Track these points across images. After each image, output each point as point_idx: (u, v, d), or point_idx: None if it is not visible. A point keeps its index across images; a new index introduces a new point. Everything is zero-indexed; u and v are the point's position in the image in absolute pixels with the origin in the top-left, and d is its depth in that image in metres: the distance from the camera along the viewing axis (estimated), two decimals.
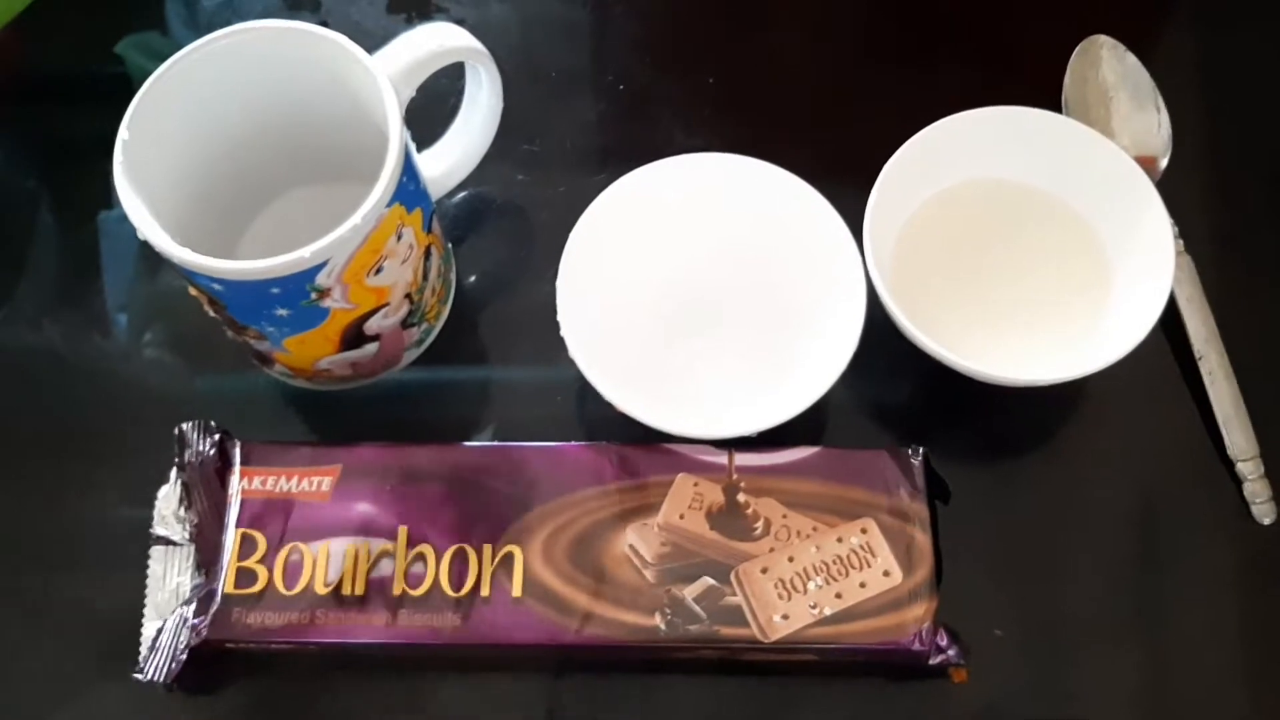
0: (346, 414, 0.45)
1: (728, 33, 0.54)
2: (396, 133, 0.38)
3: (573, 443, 0.42)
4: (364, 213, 0.37)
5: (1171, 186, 0.46)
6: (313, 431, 0.46)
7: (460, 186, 0.47)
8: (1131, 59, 0.49)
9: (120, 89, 0.40)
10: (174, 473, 0.42)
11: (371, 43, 0.41)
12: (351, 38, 0.40)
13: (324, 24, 0.53)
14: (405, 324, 0.43)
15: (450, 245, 0.48)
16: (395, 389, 0.46)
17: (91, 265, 0.49)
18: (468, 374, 0.47)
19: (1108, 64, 0.49)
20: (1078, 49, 0.49)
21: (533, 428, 0.44)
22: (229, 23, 0.52)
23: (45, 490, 0.45)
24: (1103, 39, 0.49)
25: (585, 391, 0.41)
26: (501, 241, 0.49)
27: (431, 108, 0.47)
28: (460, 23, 0.52)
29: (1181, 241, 0.46)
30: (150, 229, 0.37)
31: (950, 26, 0.54)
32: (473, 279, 0.48)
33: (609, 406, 0.40)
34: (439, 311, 0.46)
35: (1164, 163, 0.48)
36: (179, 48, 0.39)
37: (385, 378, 0.45)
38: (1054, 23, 0.52)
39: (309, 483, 0.41)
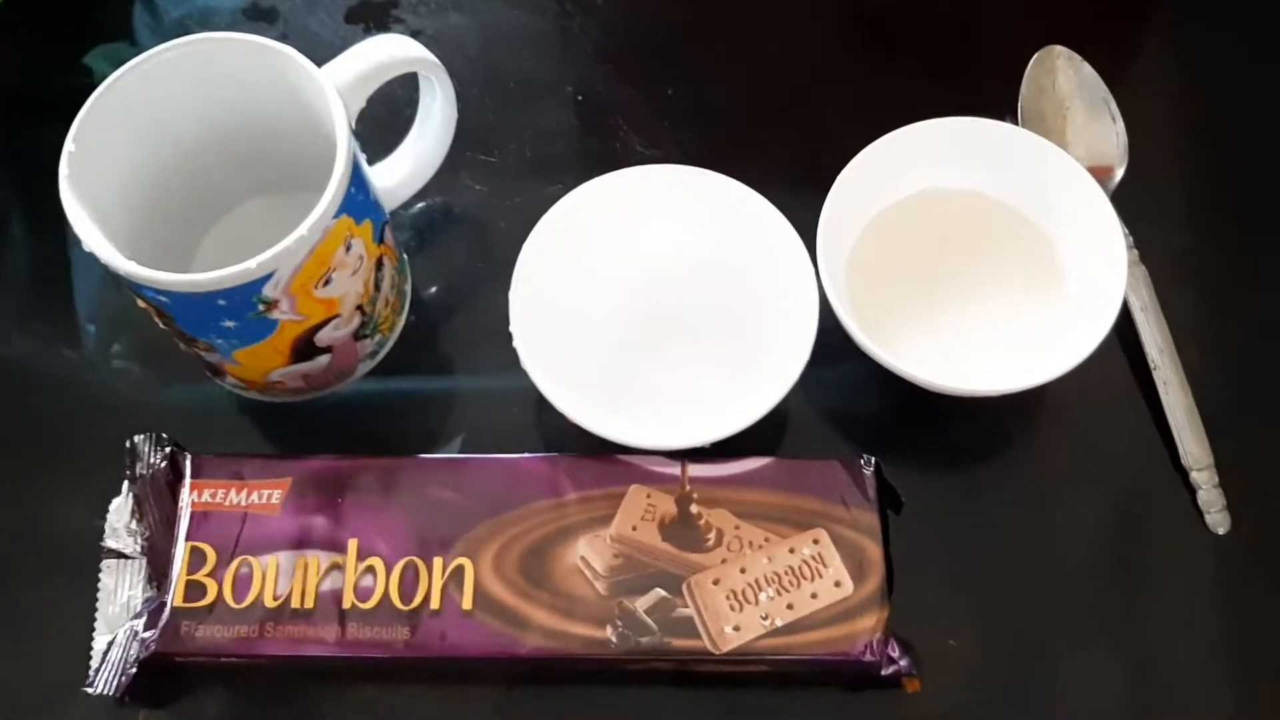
0: (302, 425, 0.45)
1: (687, 44, 0.54)
2: (344, 144, 0.38)
3: (525, 454, 0.42)
4: (309, 224, 0.37)
5: (1127, 196, 0.47)
6: (269, 442, 0.45)
7: (417, 197, 0.47)
8: (1087, 69, 0.49)
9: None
10: (125, 485, 0.42)
11: (329, 53, 0.41)
12: (309, 47, 0.40)
13: (283, 34, 0.53)
14: (358, 336, 0.43)
15: (405, 256, 0.47)
16: (350, 400, 0.46)
17: (61, 277, 0.49)
18: (424, 385, 0.47)
19: (1064, 74, 0.49)
20: (1034, 59, 0.50)
21: (489, 439, 0.44)
22: (195, 32, 0.53)
23: (2, 500, 0.44)
24: (1059, 49, 0.50)
25: (542, 402, 0.41)
26: (459, 252, 0.49)
27: (388, 118, 0.47)
28: (418, 33, 0.53)
29: (1136, 251, 0.46)
30: (96, 241, 0.37)
31: (908, 38, 0.54)
32: (431, 290, 0.48)
33: (565, 417, 0.40)
34: (393, 323, 0.46)
35: (1120, 172, 0.48)
36: None
37: (340, 389, 0.45)
38: (1010, 33, 0.52)
39: (259, 495, 0.41)
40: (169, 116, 0.41)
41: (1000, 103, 0.49)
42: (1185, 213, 0.49)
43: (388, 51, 0.41)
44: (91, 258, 0.37)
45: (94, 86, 0.38)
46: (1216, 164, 0.50)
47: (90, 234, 0.37)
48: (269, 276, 0.37)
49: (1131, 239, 0.47)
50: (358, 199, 0.39)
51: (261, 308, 0.38)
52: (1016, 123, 0.49)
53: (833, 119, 0.51)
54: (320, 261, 0.38)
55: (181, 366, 0.46)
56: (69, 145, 0.38)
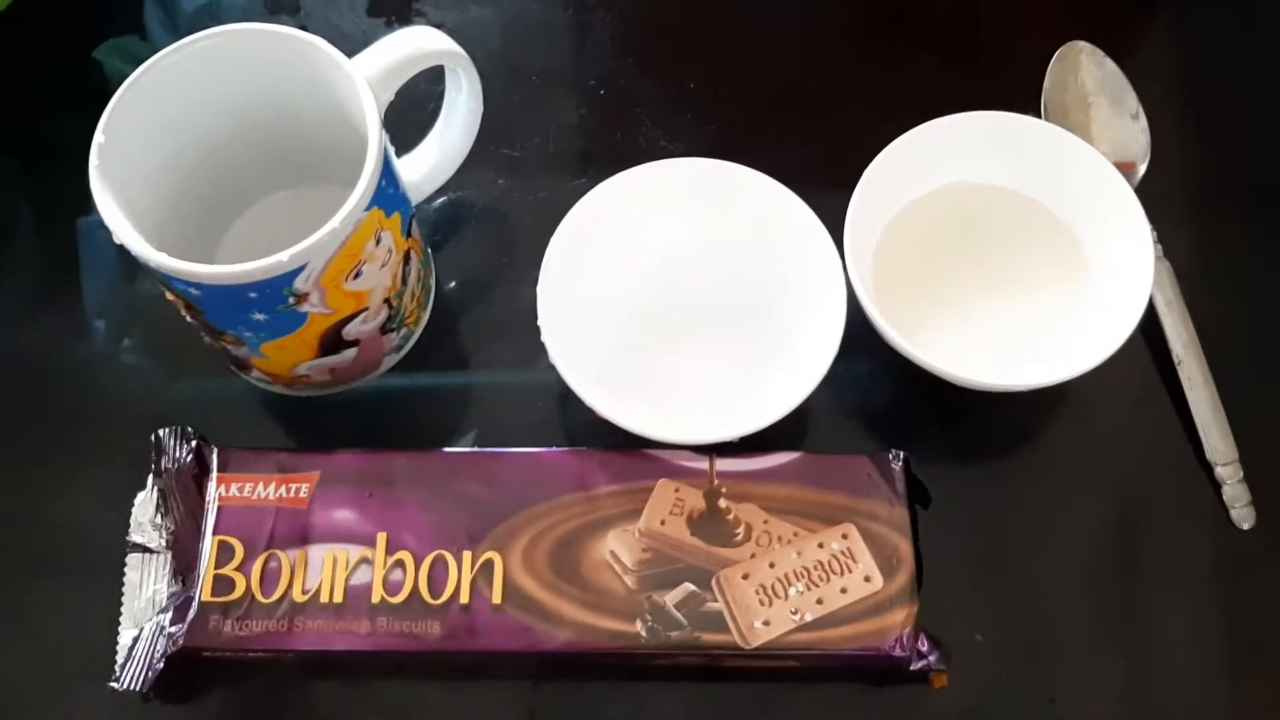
0: (326, 420, 0.45)
1: (709, 37, 0.54)
2: (375, 136, 0.38)
3: (553, 448, 0.42)
4: (342, 216, 0.37)
5: (1151, 191, 0.46)
6: (291, 437, 0.45)
7: (440, 191, 0.47)
8: (1110, 65, 0.49)
9: (99, 93, 0.39)
10: (150, 479, 0.42)
11: (351, 46, 0.41)
12: (331, 41, 0.40)
13: (303, 27, 0.52)
14: (384, 329, 0.43)
15: (430, 250, 0.47)
16: (375, 394, 0.45)
17: (70, 270, 0.48)
18: (448, 379, 0.47)
19: (1087, 70, 0.49)
20: (1057, 55, 0.50)
21: (513, 433, 0.44)
22: (208, 27, 0.53)
23: (22, 495, 0.44)
24: (1082, 45, 0.50)
25: (566, 397, 0.41)
26: (482, 246, 0.49)
27: (412, 112, 0.47)
28: (440, 26, 0.52)
29: (1160, 246, 0.46)
30: (126, 233, 0.37)
31: (931, 32, 0.54)
32: (453, 284, 0.48)
33: (590, 412, 0.40)
34: (419, 316, 0.46)
35: (1143, 168, 0.48)
36: (158, 52, 0.39)
37: (364, 383, 0.45)
38: (1033, 29, 0.52)
39: (286, 489, 0.41)
40: (197, 108, 0.41)
41: (1023, 97, 0.50)
42: (1208, 209, 0.49)
43: (418, 44, 0.41)
44: (104, 250, 0.37)
45: (105, 80, 0.38)
46: (1239, 160, 0.50)
47: (121, 225, 0.37)
48: (301, 269, 0.37)
49: (1155, 234, 0.46)
50: (388, 192, 0.39)
51: (292, 300, 0.38)
52: (1039, 118, 0.49)
53: (856, 112, 0.51)
54: (351, 254, 0.38)
55: (197, 360, 0.46)
56: (98, 136, 0.38)
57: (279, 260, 0.36)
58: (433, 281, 0.47)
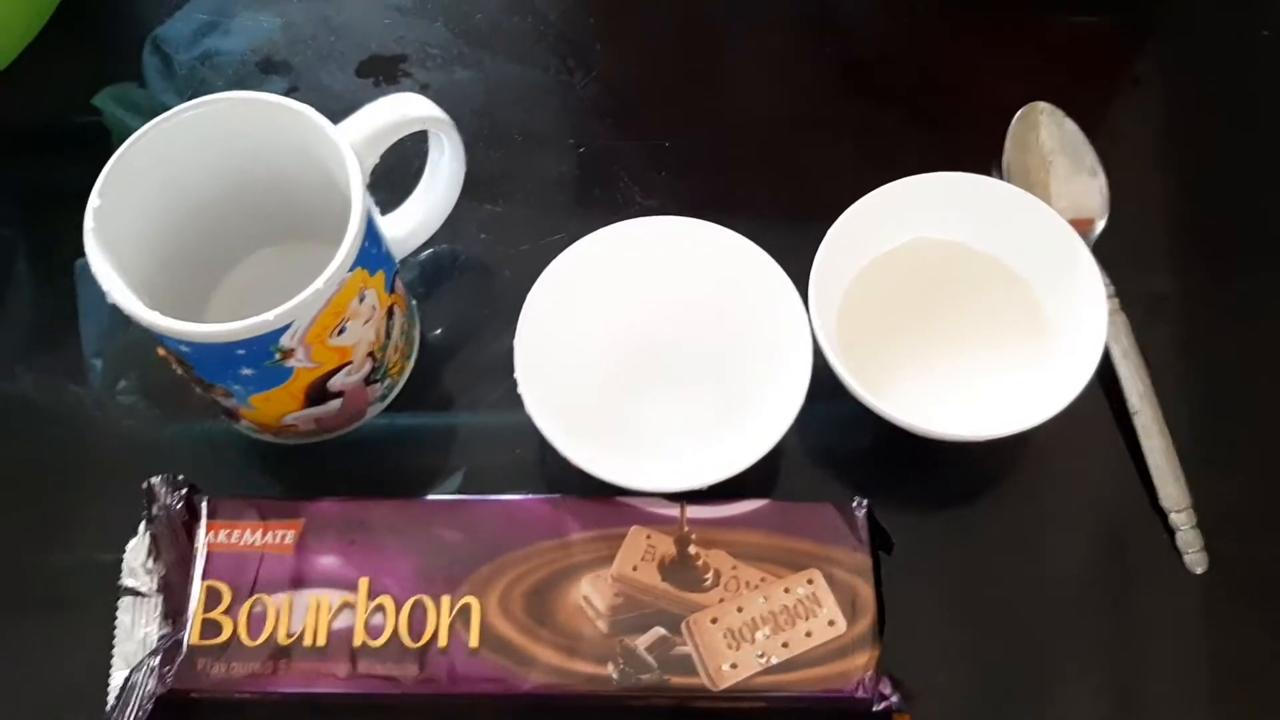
0: (313, 466, 0.46)
1: (684, 97, 0.55)
2: (359, 200, 0.39)
3: (530, 496, 0.43)
4: (326, 277, 0.38)
5: (1109, 247, 0.48)
6: (280, 482, 0.46)
7: (425, 245, 0.48)
8: (1070, 124, 0.51)
9: (98, 139, 0.40)
10: (143, 525, 0.43)
11: (340, 105, 0.42)
12: (321, 100, 0.41)
13: (294, 86, 0.55)
14: (368, 381, 0.44)
15: (414, 301, 0.49)
16: (361, 441, 0.47)
17: (67, 313, 0.50)
18: (431, 427, 0.48)
19: (1047, 129, 0.51)
20: (1018, 115, 0.51)
21: (494, 479, 0.45)
22: (204, 78, 0.54)
23: (16, 537, 0.46)
24: (1042, 105, 0.51)
25: (545, 443, 0.42)
26: (465, 298, 0.50)
27: (398, 168, 0.48)
28: (425, 87, 0.54)
29: (1117, 300, 0.48)
30: (121, 293, 0.39)
31: (898, 93, 0.55)
32: (437, 332, 0.49)
33: (567, 459, 0.42)
34: (402, 367, 0.47)
35: (1101, 224, 0.49)
36: (156, 99, 0.39)
37: (351, 431, 0.47)
38: (995, 89, 0.53)
39: (273, 536, 0.42)
40: (188, 172, 0.43)
41: (985, 156, 0.51)
42: (1165, 261, 0.51)
43: (401, 110, 0.42)
44: (103, 297, 0.38)
45: (104, 126, 0.39)
46: (1196, 214, 0.52)
47: (115, 285, 0.39)
48: (286, 327, 0.38)
49: (1113, 287, 0.48)
50: (371, 252, 0.41)
51: (278, 356, 0.40)
52: (1001, 176, 0.50)
53: (824, 170, 0.52)
54: (335, 312, 0.40)
55: (191, 405, 0.47)
56: (94, 200, 0.39)
57: (265, 320, 0.38)
58: (416, 333, 0.48)
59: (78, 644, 0.43)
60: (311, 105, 0.42)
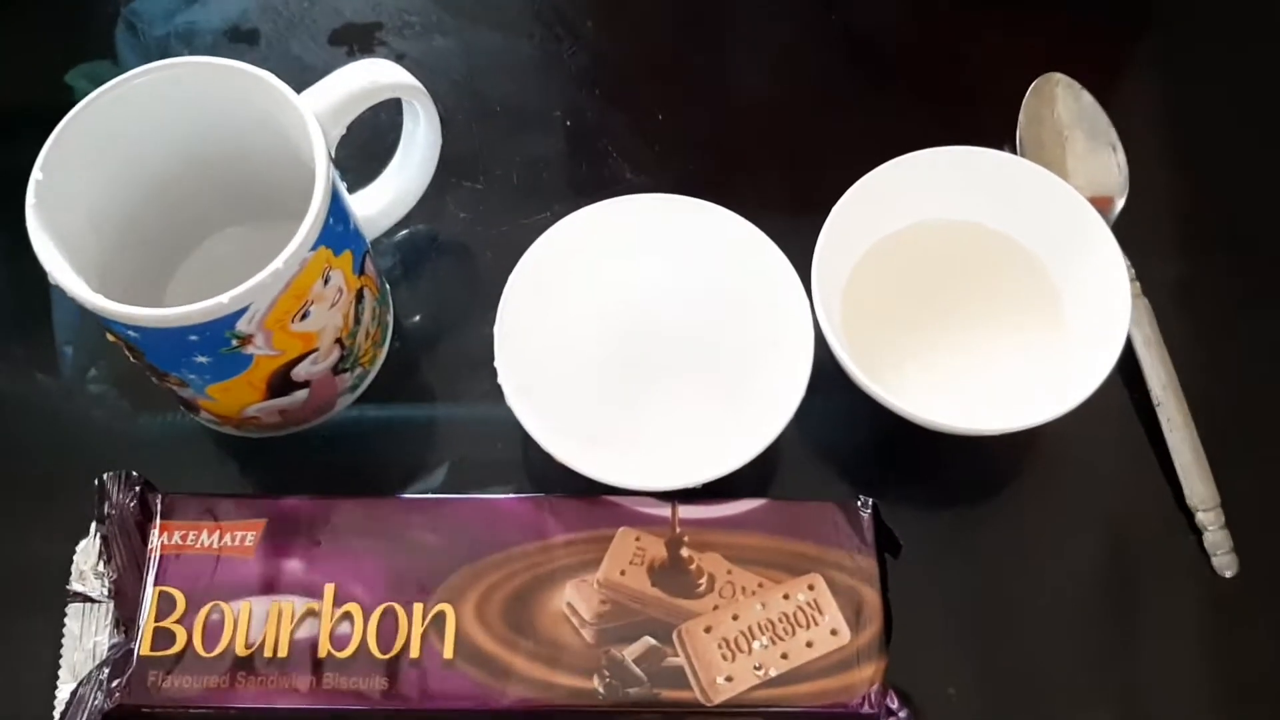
0: (280, 461, 0.44)
1: (677, 68, 0.53)
2: (323, 174, 0.37)
3: (509, 495, 0.41)
4: (285, 257, 0.36)
5: (1129, 227, 0.46)
6: (245, 478, 0.45)
7: (400, 225, 0.46)
8: (1087, 97, 0.49)
9: None
10: (94, 526, 0.41)
11: (312, 76, 0.41)
12: (292, 71, 0.40)
13: (265, 58, 0.53)
14: (337, 370, 0.42)
15: (388, 286, 0.47)
16: (330, 435, 0.45)
17: (39, 299, 0.47)
18: (406, 420, 0.46)
19: (1063, 102, 0.49)
20: (1032, 87, 0.49)
21: (473, 475, 0.44)
22: (178, 52, 0.53)
23: None
24: (1058, 77, 0.49)
25: (528, 439, 0.40)
26: (443, 281, 0.49)
27: (371, 143, 0.46)
28: (402, 57, 0.52)
29: (1139, 284, 0.46)
30: (62, 273, 0.36)
31: (905, 66, 0.54)
32: (414, 319, 0.47)
33: (550, 455, 0.39)
34: (374, 355, 0.45)
35: (1120, 203, 0.47)
36: None
37: (319, 423, 0.44)
38: (1008, 60, 0.51)
39: (231, 537, 0.39)
40: (141, 143, 0.40)
41: (998, 131, 0.49)
42: (1188, 244, 0.49)
43: (369, 77, 0.40)
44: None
45: (74, 105, 0.38)
46: (1219, 194, 0.50)
47: (56, 265, 0.36)
48: (243, 311, 0.36)
49: (1134, 270, 0.46)
50: (336, 230, 0.38)
51: (235, 343, 0.37)
52: (1015, 152, 0.48)
53: (827, 147, 0.51)
54: (297, 295, 0.37)
55: (158, 396, 0.45)
56: (36, 174, 0.37)
57: (219, 303, 0.35)
58: (390, 319, 0.46)
59: (24, 652, 0.40)
60: (281, 77, 0.39)
